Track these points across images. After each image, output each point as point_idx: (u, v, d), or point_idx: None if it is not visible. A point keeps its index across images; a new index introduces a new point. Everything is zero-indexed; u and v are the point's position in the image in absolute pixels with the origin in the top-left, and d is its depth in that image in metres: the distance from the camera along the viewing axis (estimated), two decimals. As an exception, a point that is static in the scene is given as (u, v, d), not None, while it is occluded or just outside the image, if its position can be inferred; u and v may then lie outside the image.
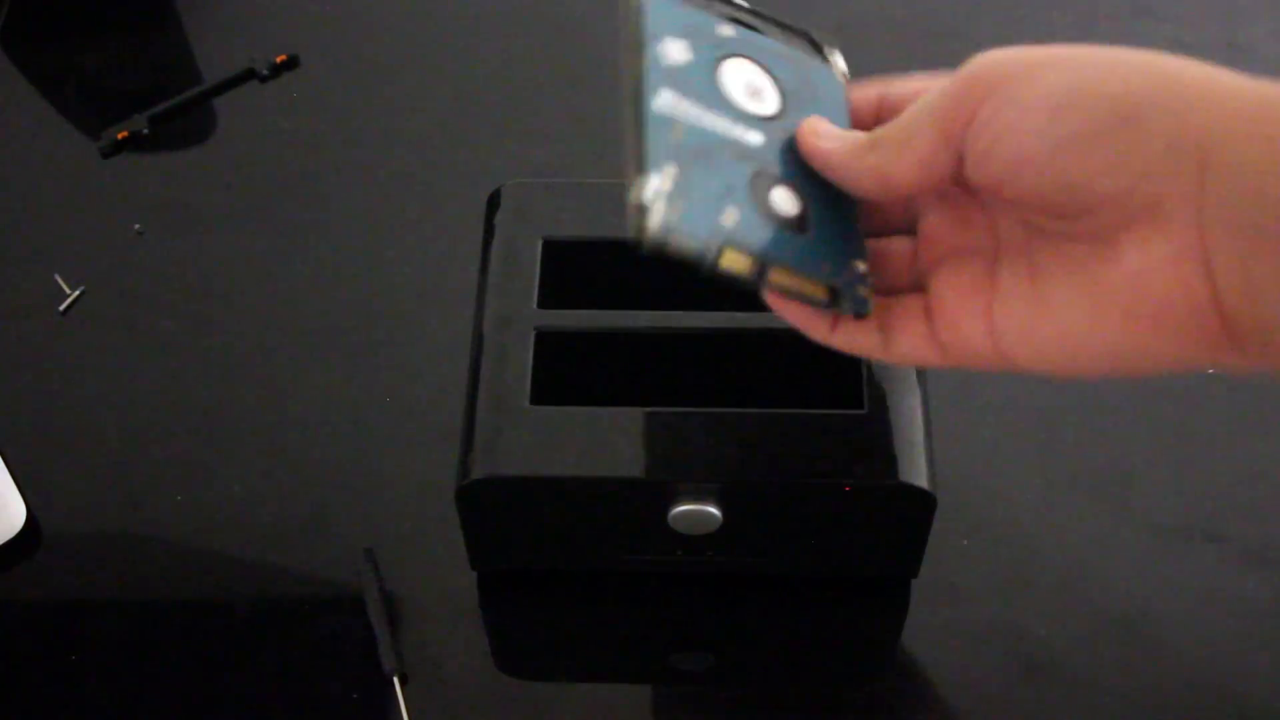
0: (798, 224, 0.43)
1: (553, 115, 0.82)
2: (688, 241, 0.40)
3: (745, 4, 0.48)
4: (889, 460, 0.55)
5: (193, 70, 0.85)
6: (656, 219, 0.40)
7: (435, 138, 0.82)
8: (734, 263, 0.41)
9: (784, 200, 0.43)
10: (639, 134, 0.42)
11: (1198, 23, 0.86)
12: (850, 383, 0.57)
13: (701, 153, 0.42)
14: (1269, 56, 0.85)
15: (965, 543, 0.64)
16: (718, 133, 0.43)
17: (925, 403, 0.57)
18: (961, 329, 0.42)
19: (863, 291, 0.43)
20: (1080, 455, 0.67)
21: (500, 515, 0.58)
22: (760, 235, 0.42)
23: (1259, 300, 0.36)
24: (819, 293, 0.43)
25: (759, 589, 0.62)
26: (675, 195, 0.41)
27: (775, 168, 0.44)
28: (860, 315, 0.43)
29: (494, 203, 0.64)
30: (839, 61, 0.48)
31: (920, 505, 0.56)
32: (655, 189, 0.40)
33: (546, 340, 0.59)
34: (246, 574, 0.64)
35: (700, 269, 0.41)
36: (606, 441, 0.56)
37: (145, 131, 0.81)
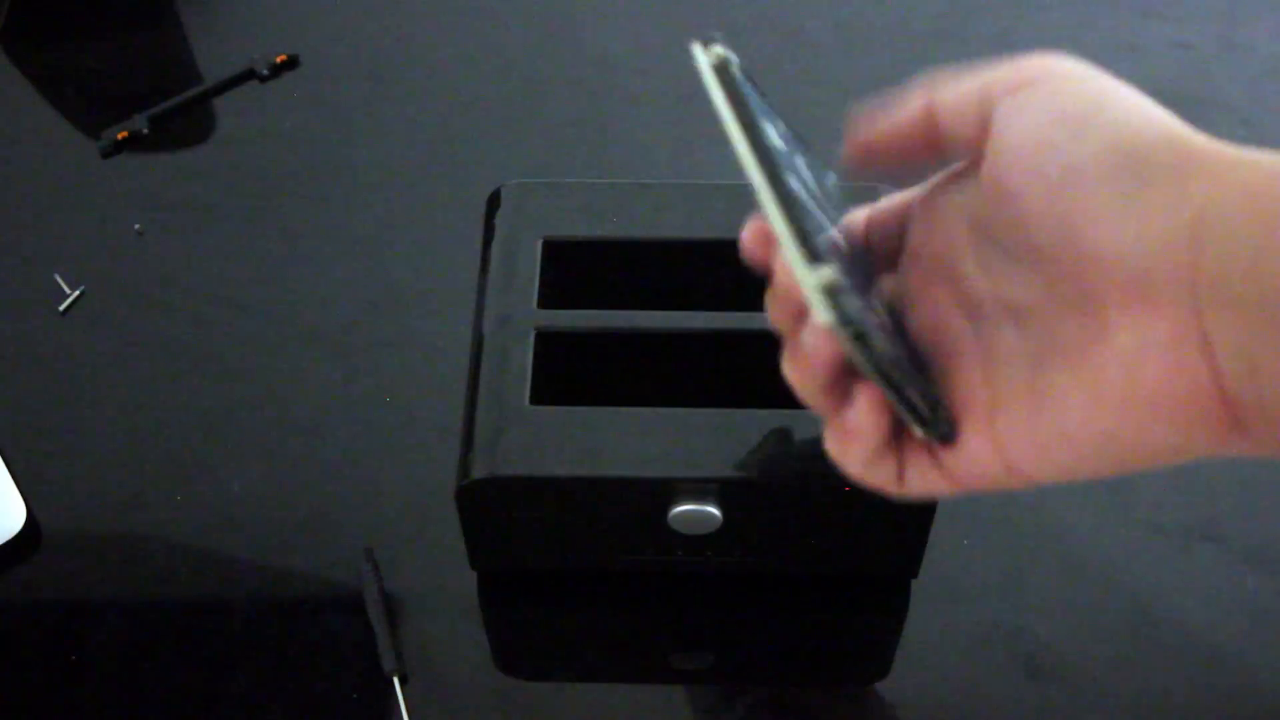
0: (891, 340, 0.40)
1: (553, 115, 0.82)
2: (870, 336, 0.38)
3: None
4: (889, 460, 0.55)
5: (193, 70, 0.85)
6: (851, 307, 0.37)
7: (435, 138, 0.82)
8: (881, 367, 0.39)
9: (880, 311, 0.41)
10: (790, 215, 0.38)
11: (1198, 23, 0.86)
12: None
13: (833, 250, 0.39)
14: (1269, 56, 0.85)
15: (965, 543, 0.64)
16: (826, 231, 0.40)
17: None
18: (967, 447, 0.40)
19: (948, 417, 0.41)
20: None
21: (500, 515, 0.58)
22: (887, 343, 0.39)
23: (1264, 381, 0.34)
24: (924, 408, 0.40)
25: (759, 589, 0.62)
26: (848, 287, 0.38)
27: (860, 279, 0.41)
28: (947, 441, 0.41)
29: (494, 203, 0.64)
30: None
31: (920, 505, 0.56)
32: (836, 275, 0.37)
33: (546, 340, 0.59)
34: (246, 574, 0.64)
35: (854, 360, 0.39)
36: (606, 441, 0.56)
37: (145, 131, 0.81)
